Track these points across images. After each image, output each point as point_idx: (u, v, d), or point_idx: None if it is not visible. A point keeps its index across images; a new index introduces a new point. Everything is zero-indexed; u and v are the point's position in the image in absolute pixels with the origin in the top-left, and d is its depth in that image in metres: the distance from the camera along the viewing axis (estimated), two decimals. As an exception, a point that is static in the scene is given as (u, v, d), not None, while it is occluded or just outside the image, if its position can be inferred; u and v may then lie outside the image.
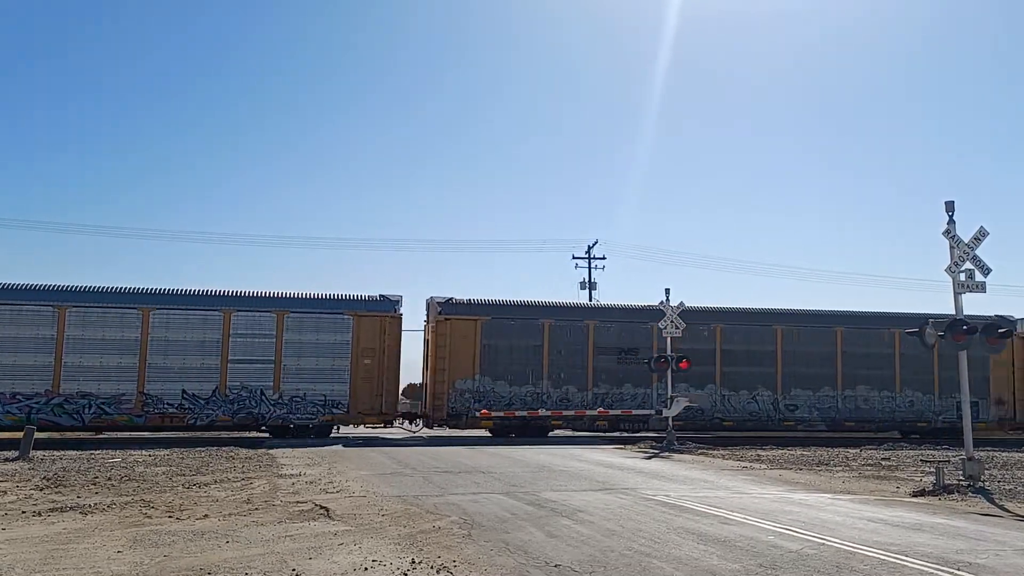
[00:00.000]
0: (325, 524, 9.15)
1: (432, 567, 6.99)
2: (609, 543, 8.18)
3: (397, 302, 25.38)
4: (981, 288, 14.11)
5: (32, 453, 16.77)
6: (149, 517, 9.51)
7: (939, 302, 42.09)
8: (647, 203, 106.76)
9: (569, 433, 27.28)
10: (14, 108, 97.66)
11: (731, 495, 12.28)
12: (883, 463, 18.00)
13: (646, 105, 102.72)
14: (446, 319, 25.51)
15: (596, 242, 47.82)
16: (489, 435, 25.58)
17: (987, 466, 16.16)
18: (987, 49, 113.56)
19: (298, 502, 10.83)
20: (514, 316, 26.22)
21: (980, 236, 14.03)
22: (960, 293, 14.13)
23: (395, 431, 28.19)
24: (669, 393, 24.15)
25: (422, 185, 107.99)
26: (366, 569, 6.92)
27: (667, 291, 24.50)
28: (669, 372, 23.97)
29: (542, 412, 25.61)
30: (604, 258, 47.54)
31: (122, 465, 15.48)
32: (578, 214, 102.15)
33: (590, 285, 46.84)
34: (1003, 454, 20.27)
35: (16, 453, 16.55)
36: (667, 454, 20.50)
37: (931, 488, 12.81)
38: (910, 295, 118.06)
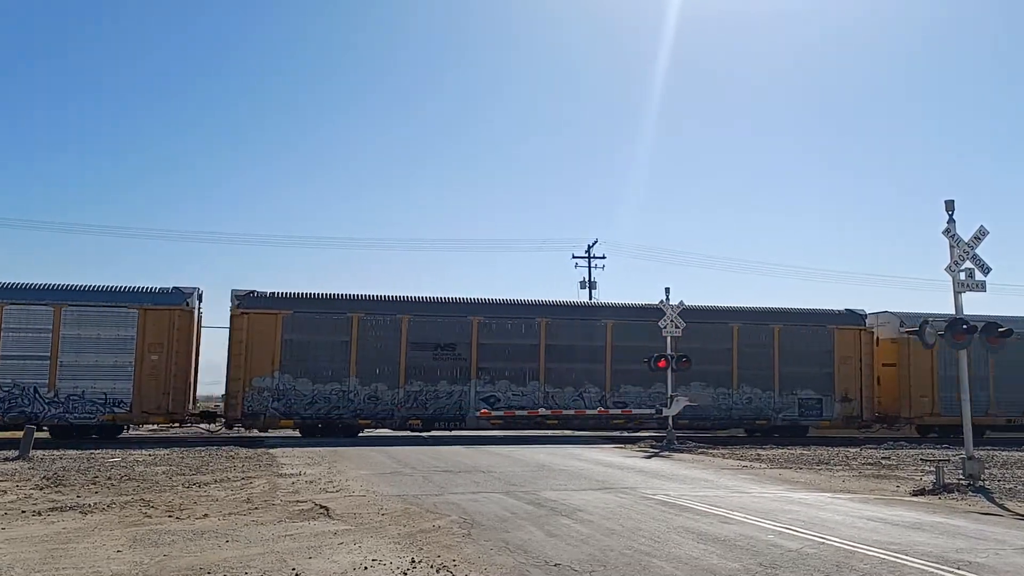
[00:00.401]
0: (325, 523, 9.16)
1: (432, 566, 6.99)
2: (609, 542, 8.18)
3: (190, 294, 24.03)
4: (981, 287, 14.10)
5: (32, 452, 16.78)
6: (149, 517, 9.51)
7: (942, 301, 42.06)
8: (648, 203, 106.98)
9: (388, 432, 25.92)
10: (14, 108, 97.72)
11: (731, 494, 12.28)
12: (883, 462, 18.01)
13: (646, 105, 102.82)
14: (243, 313, 23.97)
15: (596, 241, 47.85)
16: (299, 435, 24.50)
17: (987, 465, 16.16)
18: (987, 49, 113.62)
19: (298, 501, 10.84)
20: (319, 309, 24.78)
21: (980, 235, 14.03)
22: (960, 292, 14.12)
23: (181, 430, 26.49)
24: (669, 392, 24.11)
25: (422, 185, 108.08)
26: (366, 568, 6.92)
27: (667, 290, 24.55)
28: (670, 371, 23.94)
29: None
30: (604, 257, 47.58)
31: (122, 465, 15.49)
32: (579, 214, 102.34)
33: (590, 284, 46.89)
34: (1003, 453, 20.27)
35: (16, 453, 16.57)
36: (667, 453, 20.51)
37: (931, 487, 12.82)
38: (912, 294, 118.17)
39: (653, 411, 25.62)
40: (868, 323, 28.41)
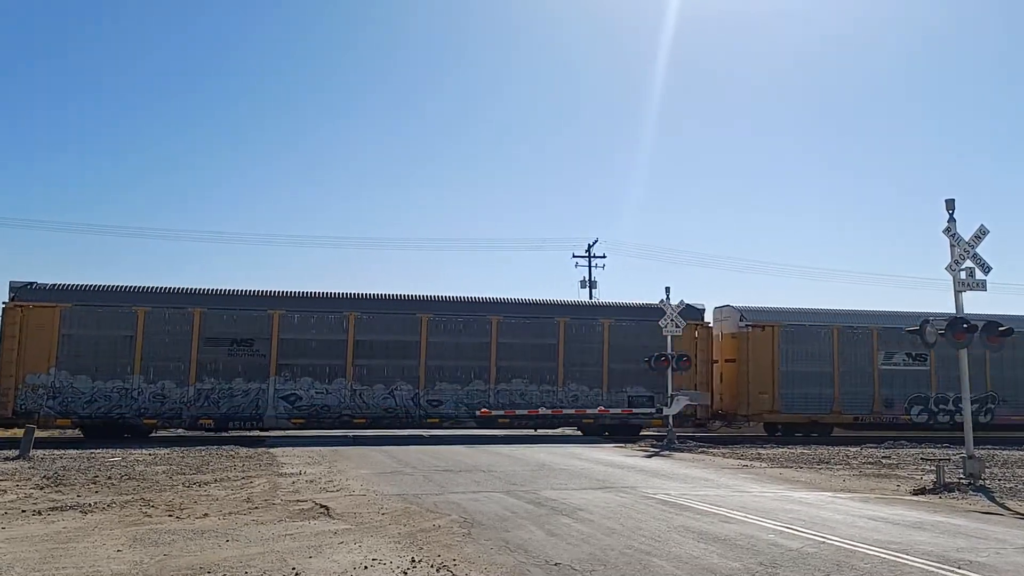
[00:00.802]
0: (325, 523, 9.16)
1: (432, 565, 6.99)
2: (609, 541, 8.17)
3: None
4: (982, 286, 14.08)
5: (32, 452, 16.78)
6: (149, 516, 9.51)
7: (945, 301, 41.88)
8: (649, 202, 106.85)
9: (175, 433, 24.67)
10: (14, 108, 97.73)
11: (731, 493, 12.27)
12: (883, 461, 18.01)
13: (646, 105, 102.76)
14: (17, 306, 22.74)
15: (596, 241, 47.79)
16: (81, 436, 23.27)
17: (987, 464, 16.16)
18: (987, 49, 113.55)
19: (298, 501, 10.83)
20: (102, 302, 23.38)
21: (980, 234, 14.01)
22: (960, 291, 14.10)
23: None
24: (669, 391, 24.10)
25: (422, 185, 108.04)
26: (366, 568, 6.91)
27: (667, 289, 24.54)
28: (670, 370, 23.93)
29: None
30: (604, 257, 47.54)
31: (122, 464, 15.50)
32: (580, 213, 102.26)
33: (590, 284, 46.89)
34: (1003, 452, 20.26)
35: (16, 452, 16.57)
36: (667, 452, 20.51)
37: (932, 486, 12.82)
38: (913, 293, 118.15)
39: (654, 410, 25.63)
40: (713, 317, 27.86)
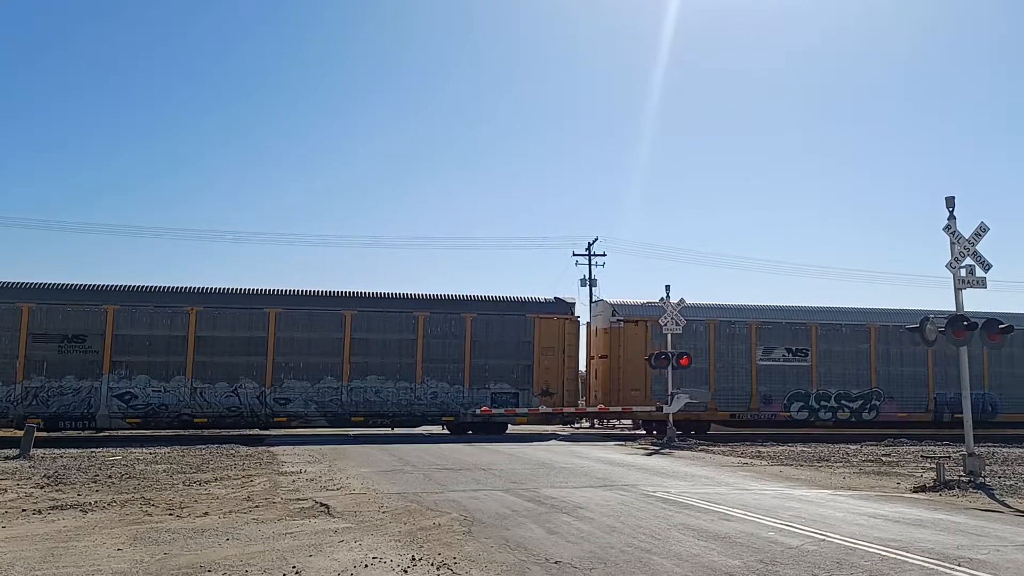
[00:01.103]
0: (326, 521, 9.16)
1: (432, 564, 6.99)
2: (609, 539, 8.17)
3: None
4: (982, 284, 14.07)
5: (33, 451, 16.79)
6: (149, 515, 9.51)
7: (944, 299, 41.84)
8: (650, 201, 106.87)
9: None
10: (15, 107, 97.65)
11: (731, 491, 12.28)
12: (884, 459, 18.01)
13: (646, 104, 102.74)
14: None
15: (596, 239, 47.78)
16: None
17: (988, 462, 16.14)
18: (989, 47, 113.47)
19: (299, 499, 10.83)
20: None
21: (981, 232, 14.00)
22: (960, 289, 14.09)
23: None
24: (669, 389, 24.10)
25: (423, 184, 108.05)
26: (367, 566, 6.91)
27: (667, 287, 24.58)
28: (670, 368, 23.94)
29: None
30: (604, 255, 47.53)
31: (123, 463, 15.50)
32: (580, 211, 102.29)
33: (590, 282, 46.87)
34: (1004, 450, 20.26)
35: (17, 451, 16.57)
36: (667, 450, 20.52)
37: (932, 484, 12.82)
38: (913, 291, 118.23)
39: (653, 408, 25.60)
40: (592, 312, 27.49)
